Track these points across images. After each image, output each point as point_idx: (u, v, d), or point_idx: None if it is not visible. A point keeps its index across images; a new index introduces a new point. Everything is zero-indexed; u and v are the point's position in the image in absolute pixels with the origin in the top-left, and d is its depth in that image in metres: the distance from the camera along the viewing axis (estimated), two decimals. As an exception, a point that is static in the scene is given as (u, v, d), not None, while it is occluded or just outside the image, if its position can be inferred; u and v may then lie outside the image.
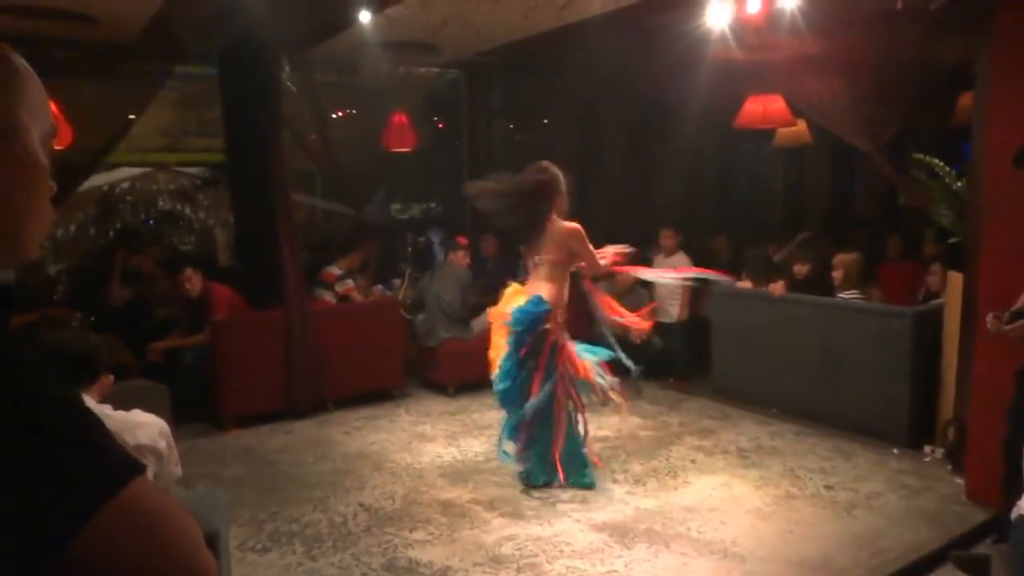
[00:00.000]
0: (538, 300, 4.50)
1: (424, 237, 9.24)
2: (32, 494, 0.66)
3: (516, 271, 7.67)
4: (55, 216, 0.87)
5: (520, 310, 4.49)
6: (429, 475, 4.87)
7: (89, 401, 2.41)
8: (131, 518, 0.69)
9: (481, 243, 7.85)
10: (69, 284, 7.47)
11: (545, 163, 4.67)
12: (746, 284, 6.53)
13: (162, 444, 2.49)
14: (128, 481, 0.70)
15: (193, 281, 5.97)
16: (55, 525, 0.66)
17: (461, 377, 6.62)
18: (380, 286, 7.60)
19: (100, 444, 0.72)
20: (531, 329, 4.43)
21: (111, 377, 2.59)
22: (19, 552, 0.66)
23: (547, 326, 4.46)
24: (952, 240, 4.94)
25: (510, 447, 4.64)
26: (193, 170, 10.19)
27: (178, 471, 2.56)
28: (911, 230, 7.07)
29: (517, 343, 4.47)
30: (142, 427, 2.46)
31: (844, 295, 5.70)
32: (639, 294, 7.11)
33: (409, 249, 9.03)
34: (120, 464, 0.72)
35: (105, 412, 2.42)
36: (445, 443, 5.44)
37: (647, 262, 7.38)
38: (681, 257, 7.17)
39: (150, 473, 2.32)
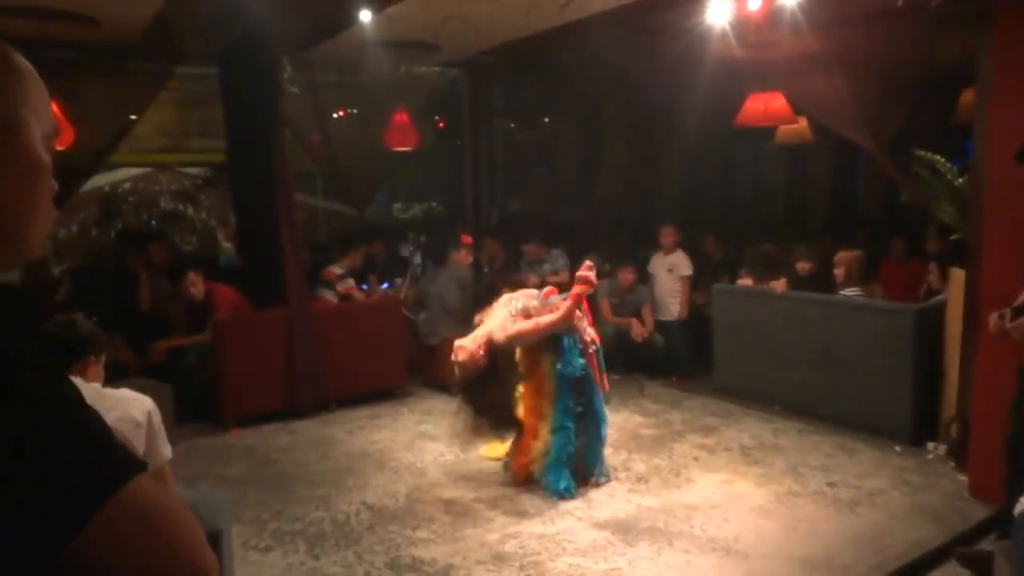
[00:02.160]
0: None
1: (399, 251, 9.02)
2: (32, 493, 0.66)
3: (518, 270, 7.71)
4: (56, 215, 0.87)
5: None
6: (432, 474, 4.87)
7: (79, 382, 2.41)
8: (132, 516, 0.69)
9: (483, 244, 7.85)
10: (72, 284, 7.48)
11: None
12: (747, 282, 6.54)
13: (156, 420, 2.49)
14: (128, 479, 0.70)
15: (197, 285, 5.98)
16: (56, 525, 0.66)
17: (463, 376, 6.63)
18: (386, 284, 7.62)
19: (100, 442, 0.72)
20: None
21: (102, 357, 2.60)
22: (20, 552, 0.65)
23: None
24: (954, 237, 4.94)
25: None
26: (195, 170, 10.20)
27: (167, 451, 2.54)
28: (913, 228, 7.07)
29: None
30: (134, 403, 2.47)
31: (846, 292, 5.70)
32: (641, 292, 7.12)
33: (411, 248, 9.03)
34: (120, 462, 0.72)
35: (97, 388, 2.44)
36: (447, 442, 5.44)
37: (646, 260, 7.40)
38: (680, 255, 7.17)
39: (140, 451, 2.33)
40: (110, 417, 2.27)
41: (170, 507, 0.73)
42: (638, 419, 5.84)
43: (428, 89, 8.75)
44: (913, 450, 5.04)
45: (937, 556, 3.72)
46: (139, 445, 2.35)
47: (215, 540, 2.80)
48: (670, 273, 7.15)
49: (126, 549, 0.69)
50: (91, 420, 0.73)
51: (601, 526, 4.08)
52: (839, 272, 5.75)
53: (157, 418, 2.49)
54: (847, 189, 10.55)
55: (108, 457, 0.72)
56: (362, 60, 7.24)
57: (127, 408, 2.40)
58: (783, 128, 7.87)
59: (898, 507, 4.25)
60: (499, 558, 3.75)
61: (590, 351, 4.62)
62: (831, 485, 4.54)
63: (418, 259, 8.78)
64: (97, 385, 2.49)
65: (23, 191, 0.81)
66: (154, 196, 9.78)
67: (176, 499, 0.75)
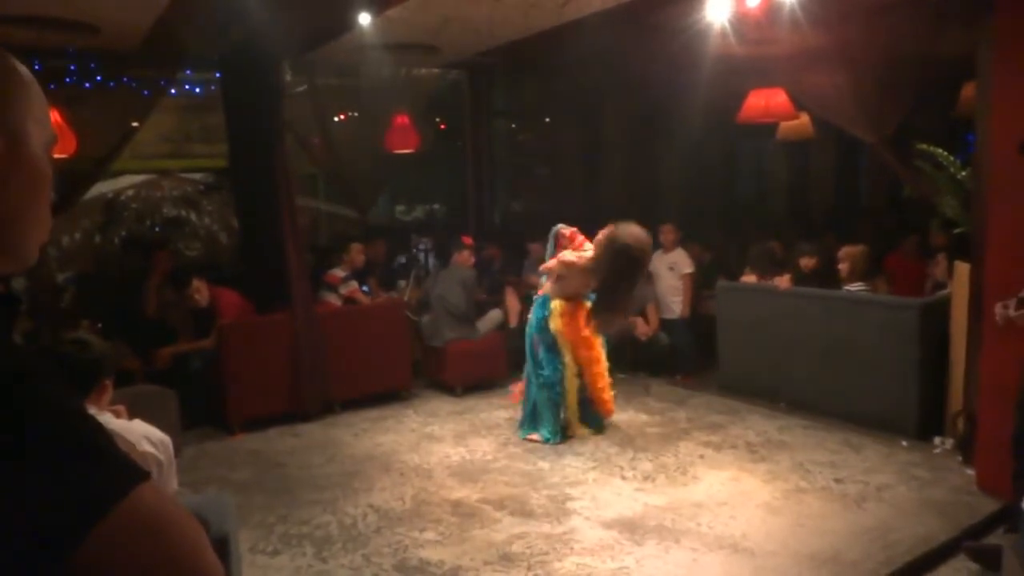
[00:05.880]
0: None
1: (410, 250, 9.01)
2: (36, 502, 0.66)
3: (521, 271, 7.71)
4: (51, 224, 0.87)
5: None
6: (438, 475, 4.87)
7: (91, 411, 2.42)
8: (135, 525, 0.69)
9: (483, 247, 7.85)
10: (76, 291, 7.50)
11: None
12: (751, 278, 6.52)
13: (162, 456, 2.50)
14: (132, 488, 0.70)
15: (202, 292, 5.98)
16: (59, 532, 0.66)
17: (468, 377, 6.64)
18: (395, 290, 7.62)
19: (103, 451, 0.72)
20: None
21: (109, 382, 2.60)
22: (24, 560, 0.66)
23: None
24: (957, 230, 4.93)
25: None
26: (197, 176, 10.21)
27: (174, 484, 2.57)
28: (916, 222, 7.05)
29: None
30: (145, 436, 2.48)
31: (850, 287, 5.68)
32: (643, 291, 7.11)
33: (414, 250, 9.03)
34: (124, 470, 0.72)
35: (108, 420, 2.44)
36: (453, 443, 5.45)
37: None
38: (680, 253, 7.16)
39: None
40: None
41: (173, 516, 0.73)
42: (643, 418, 5.84)
43: (428, 91, 8.75)
44: (920, 445, 5.03)
45: (945, 551, 3.71)
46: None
47: (222, 544, 2.81)
48: (671, 271, 7.14)
49: (129, 557, 0.69)
50: (93, 430, 0.73)
51: (608, 525, 4.07)
52: (843, 267, 5.74)
53: (169, 452, 2.51)
54: (850, 184, 10.52)
55: (110, 467, 0.72)
56: (362, 63, 7.25)
57: (140, 442, 2.42)
58: (784, 124, 7.85)
59: (905, 502, 4.24)
60: (507, 558, 3.75)
61: None
62: (838, 481, 4.54)
63: (421, 261, 8.79)
64: (110, 416, 2.48)
65: (26, 200, 0.82)
66: (156, 202, 9.77)
67: (179, 508, 0.75)
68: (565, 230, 5.50)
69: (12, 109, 0.80)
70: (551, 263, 5.39)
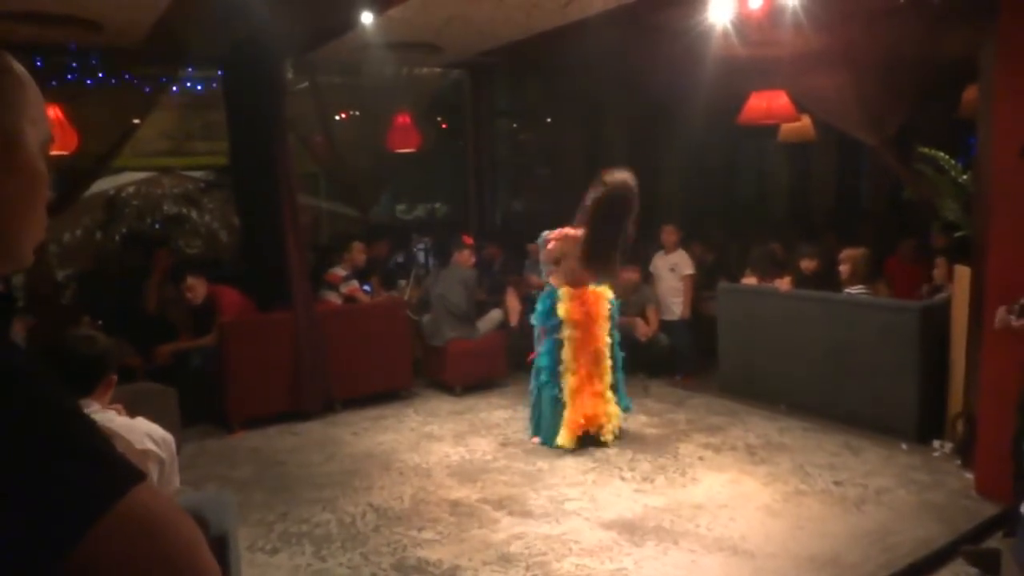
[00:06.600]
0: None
1: (409, 249, 8.99)
2: (33, 503, 0.66)
3: (521, 271, 7.71)
4: (48, 223, 0.87)
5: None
6: (437, 475, 4.88)
7: (94, 407, 2.42)
8: (131, 525, 0.69)
9: (484, 247, 7.85)
10: (77, 288, 7.51)
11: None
12: (752, 280, 6.52)
13: (164, 454, 2.50)
14: (128, 489, 0.70)
15: (196, 290, 5.95)
16: (55, 534, 0.66)
17: (468, 377, 6.64)
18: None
19: (100, 452, 0.72)
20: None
21: (115, 377, 2.60)
22: (20, 560, 0.65)
23: None
24: (959, 234, 4.93)
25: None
26: (198, 173, 10.22)
27: (176, 482, 2.57)
28: (917, 225, 7.05)
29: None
30: (148, 434, 2.48)
31: (851, 290, 5.68)
32: (645, 291, 7.12)
33: (414, 249, 9.03)
34: (120, 472, 0.72)
35: (111, 418, 2.44)
36: (453, 443, 5.45)
37: (648, 259, 7.39)
38: (681, 254, 7.16)
39: (153, 479, 2.34)
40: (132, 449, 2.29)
41: (169, 516, 0.72)
42: (643, 419, 5.84)
43: (430, 90, 8.75)
44: (919, 448, 5.03)
45: (944, 554, 3.71)
46: (152, 475, 2.36)
47: (221, 542, 2.81)
48: (672, 272, 7.14)
49: (125, 559, 0.69)
50: (89, 430, 0.73)
51: (607, 526, 4.08)
52: (844, 270, 5.74)
53: (172, 450, 2.51)
54: (851, 186, 10.51)
55: (107, 468, 0.71)
56: (364, 62, 7.24)
57: (142, 439, 2.42)
58: (786, 126, 7.85)
59: (904, 505, 4.24)
60: (505, 559, 3.75)
61: None
62: (837, 484, 4.54)
63: (421, 260, 8.79)
64: (113, 414, 2.48)
65: (21, 201, 0.81)
66: (157, 199, 9.79)
67: (176, 508, 0.74)
68: (551, 234, 5.37)
69: (7, 109, 0.80)
70: (552, 244, 5.32)
